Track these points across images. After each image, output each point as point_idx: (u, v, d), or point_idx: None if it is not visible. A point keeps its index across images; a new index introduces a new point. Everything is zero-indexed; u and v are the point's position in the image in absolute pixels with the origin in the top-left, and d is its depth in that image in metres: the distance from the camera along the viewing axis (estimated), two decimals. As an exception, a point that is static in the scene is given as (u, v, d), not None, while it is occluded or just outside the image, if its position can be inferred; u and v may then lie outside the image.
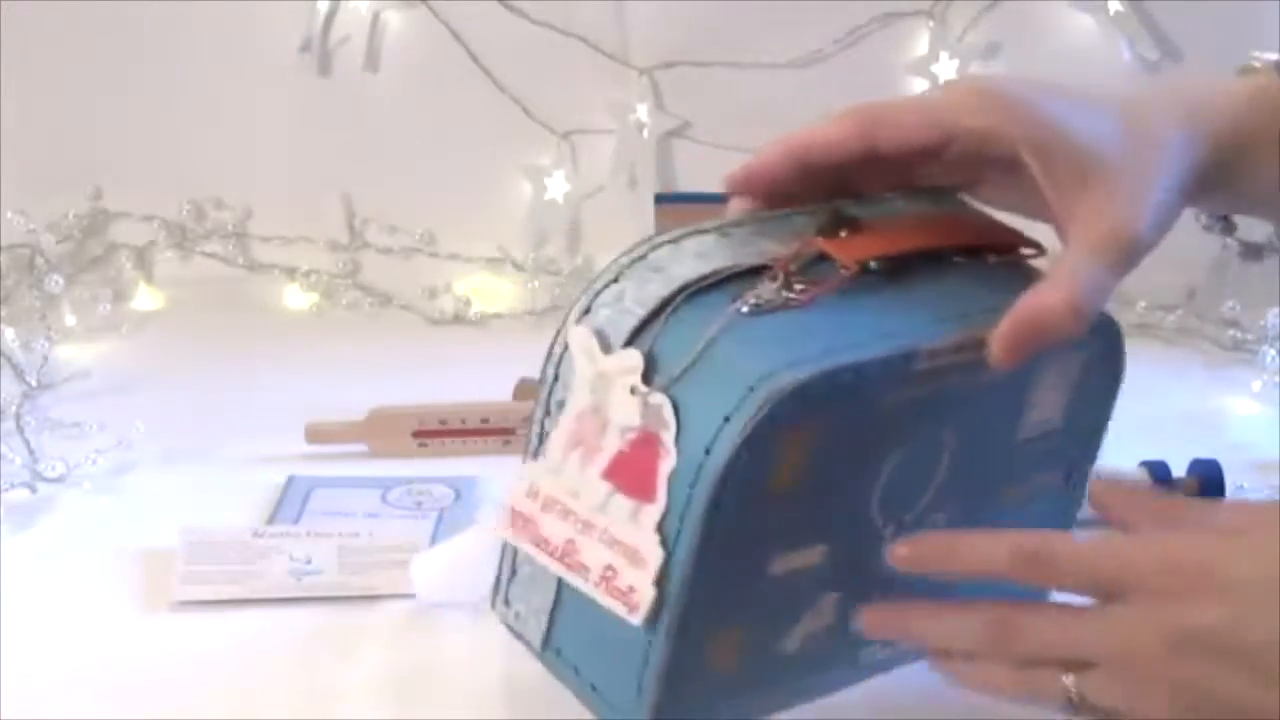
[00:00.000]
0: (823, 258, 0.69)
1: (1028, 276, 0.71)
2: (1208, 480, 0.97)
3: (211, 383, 1.17)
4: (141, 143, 1.31)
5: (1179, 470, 0.97)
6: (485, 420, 1.04)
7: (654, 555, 0.66)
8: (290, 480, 1.02)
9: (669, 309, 0.68)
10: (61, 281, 1.25)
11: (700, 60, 1.27)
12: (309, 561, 0.90)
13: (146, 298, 1.32)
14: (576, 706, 0.70)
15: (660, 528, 0.66)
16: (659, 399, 0.67)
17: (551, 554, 0.70)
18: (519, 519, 0.71)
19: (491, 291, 1.31)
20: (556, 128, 1.29)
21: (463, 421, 1.05)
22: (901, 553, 0.68)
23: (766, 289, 0.68)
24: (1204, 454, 0.98)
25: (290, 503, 0.99)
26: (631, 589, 0.67)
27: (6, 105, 1.29)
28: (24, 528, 0.97)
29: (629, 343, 0.68)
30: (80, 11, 1.28)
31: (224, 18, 1.27)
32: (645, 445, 0.68)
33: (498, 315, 1.29)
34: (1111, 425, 0.89)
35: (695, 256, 0.70)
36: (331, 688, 0.79)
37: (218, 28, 1.28)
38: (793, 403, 0.64)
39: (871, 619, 0.69)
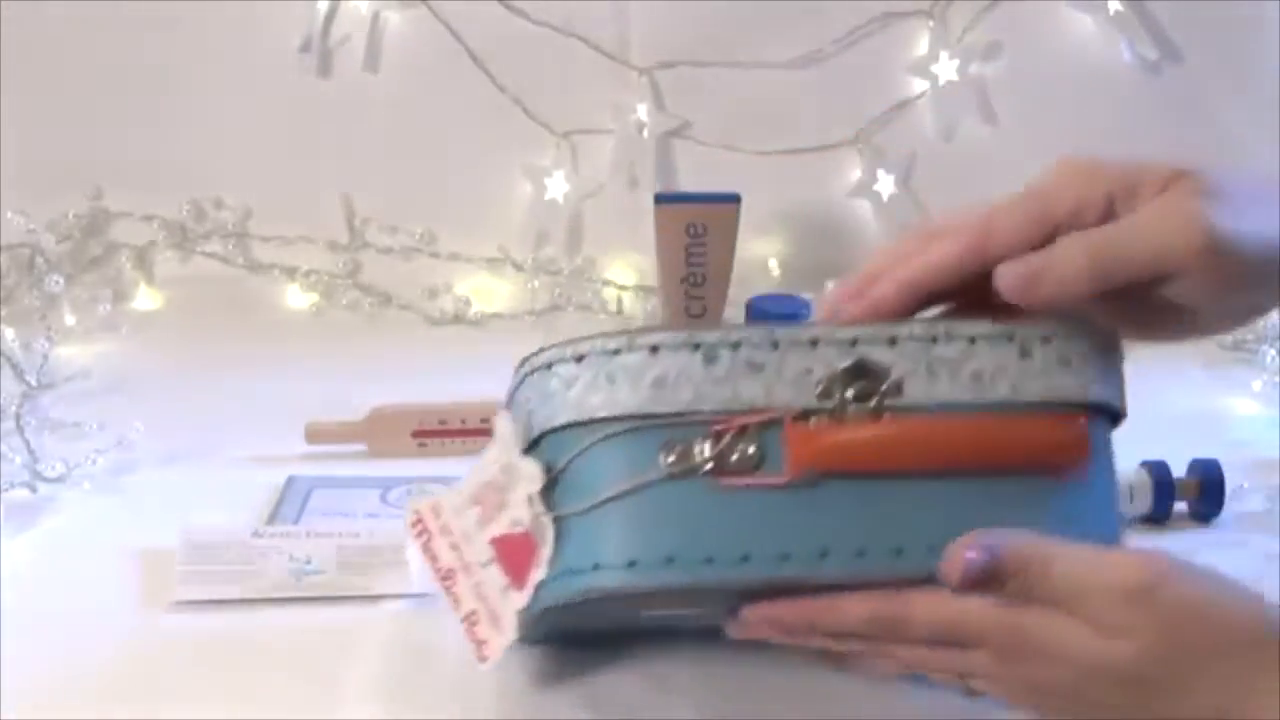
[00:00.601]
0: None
1: (1029, 505, 0.70)
2: (1208, 480, 0.97)
3: (211, 383, 1.17)
4: (141, 143, 1.31)
5: (1179, 470, 0.97)
6: (485, 420, 1.04)
7: (510, 630, 0.70)
8: (290, 480, 1.02)
9: (602, 436, 0.69)
10: (61, 281, 1.25)
11: (700, 60, 1.27)
12: (309, 561, 0.90)
13: (146, 298, 1.32)
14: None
15: (520, 615, 0.70)
16: (547, 520, 0.70)
17: (436, 571, 0.74)
18: (420, 525, 0.76)
19: (491, 291, 1.31)
20: (556, 128, 1.29)
21: (462, 421, 1.05)
22: (751, 619, 0.70)
23: (699, 451, 0.69)
24: (1204, 454, 0.98)
25: (290, 503, 0.99)
26: (486, 643, 0.71)
27: (6, 105, 1.29)
28: (24, 528, 0.97)
29: (550, 432, 0.71)
30: (80, 11, 1.28)
31: (224, 18, 1.27)
32: (527, 544, 0.71)
33: (498, 315, 1.29)
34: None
35: (654, 385, 0.69)
36: (331, 688, 0.79)
37: (218, 28, 1.28)
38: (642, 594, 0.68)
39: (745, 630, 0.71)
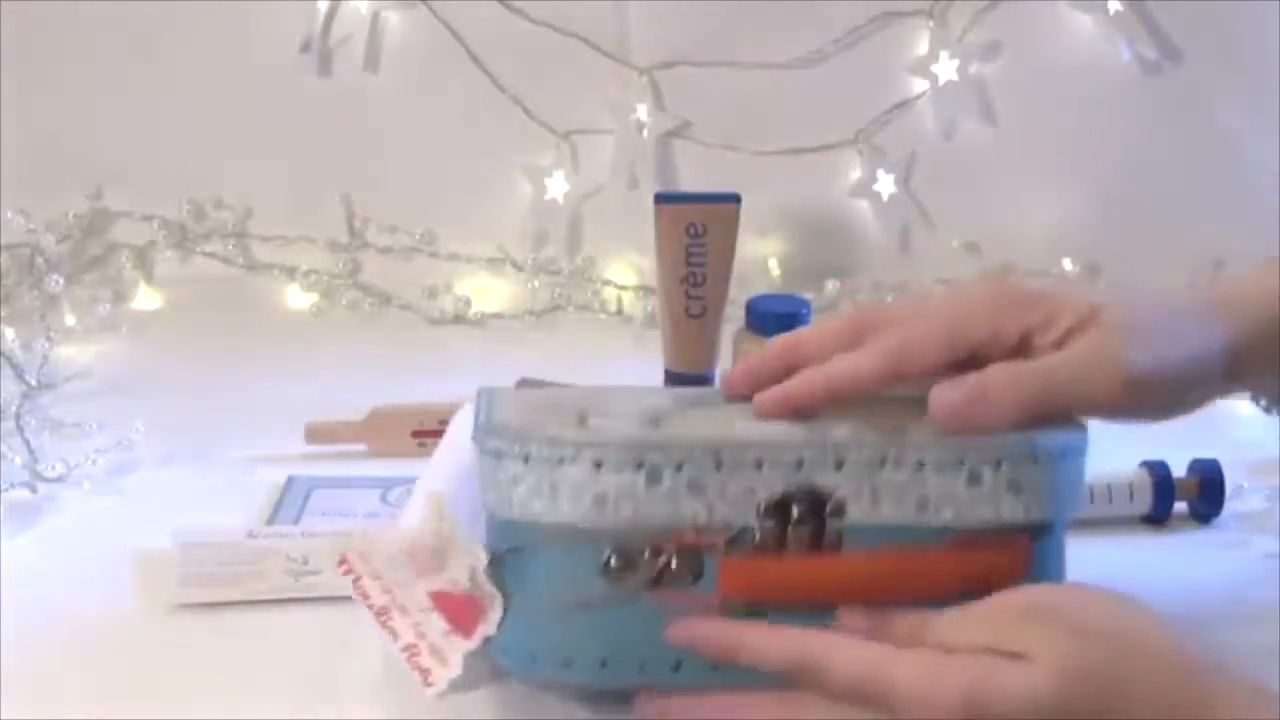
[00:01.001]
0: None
1: None
2: (1208, 480, 0.97)
3: (211, 383, 1.17)
4: (141, 143, 1.31)
5: (1179, 470, 0.97)
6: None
7: (456, 667, 0.71)
8: (290, 480, 1.02)
9: (544, 538, 0.70)
10: (61, 281, 1.25)
11: (700, 60, 1.27)
12: (306, 562, 0.90)
13: (146, 298, 1.32)
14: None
15: (467, 658, 0.71)
16: (494, 592, 0.72)
17: (369, 606, 0.75)
18: (348, 567, 0.77)
19: (491, 291, 1.31)
20: (556, 128, 1.29)
21: (462, 421, 1.05)
22: (678, 636, 0.70)
23: (639, 564, 0.70)
24: (1204, 454, 0.98)
25: (290, 503, 0.99)
26: (430, 671, 0.72)
27: (6, 105, 1.29)
28: (24, 528, 0.97)
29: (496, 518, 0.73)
30: (80, 11, 1.28)
31: (224, 18, 1.27)
32: (471, 604, 0.72)
33: (498, 315, 1.29)
34: (1112, 425, 0.88)
35: (596, 502, 0.69)
36: (331, 688, 0.79)
37: (218, 28, 1.28)
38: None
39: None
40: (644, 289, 1.28)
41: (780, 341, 0.77)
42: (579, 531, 0.69)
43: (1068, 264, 1.27)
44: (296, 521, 0.97)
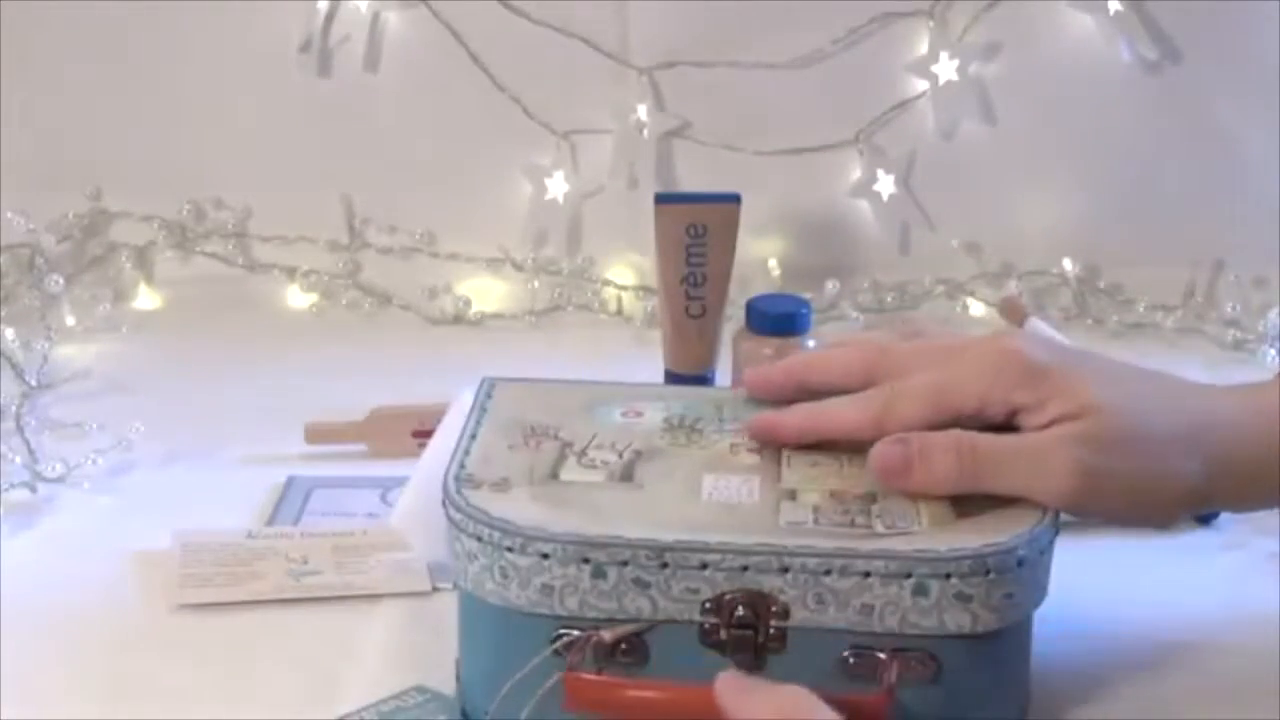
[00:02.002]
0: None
1: None
2: (1208, 480, 0.97)
3: (211, 383, 1.17)
4: (141, 143, 1.31)
5: (1179, 470, 0.97)
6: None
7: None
8: (290, 480, 1.02)
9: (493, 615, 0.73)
10: (61, 281, 1.25)
11: (700, 60, 1.27)
12: (305, 562, 0.90)
13: (146, 298, 1.32)
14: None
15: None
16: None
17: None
18: None
19: (491, 291, 1.31)
20: (556, 128, 1.29)
21: (462, 422, 1.05)
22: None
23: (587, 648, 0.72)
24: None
25: (290, 503, 0.99)
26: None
27: (6, 105, 1.29)
28: (24, 528, 0.97)
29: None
30: (80, 11, 1.27)
31: (224, 18, 1.27)
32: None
33: (498, 315, 1.29)
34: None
35: (542, 590, 0.71)
36: (331, 688, 0.79)
37: (218, 28, 1.28)
38: None
39: None
40: (644, 289, 1.28)
41: (794, 362, 0.82)
42: (526, 615, 0.72)
43: (1068, 264, 1.27)
44: (296, 521, 0.97)
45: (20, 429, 1.06)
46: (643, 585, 0.71)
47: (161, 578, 0.89)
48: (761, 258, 1.28)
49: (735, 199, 1.07)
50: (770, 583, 0.70)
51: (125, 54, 1.29)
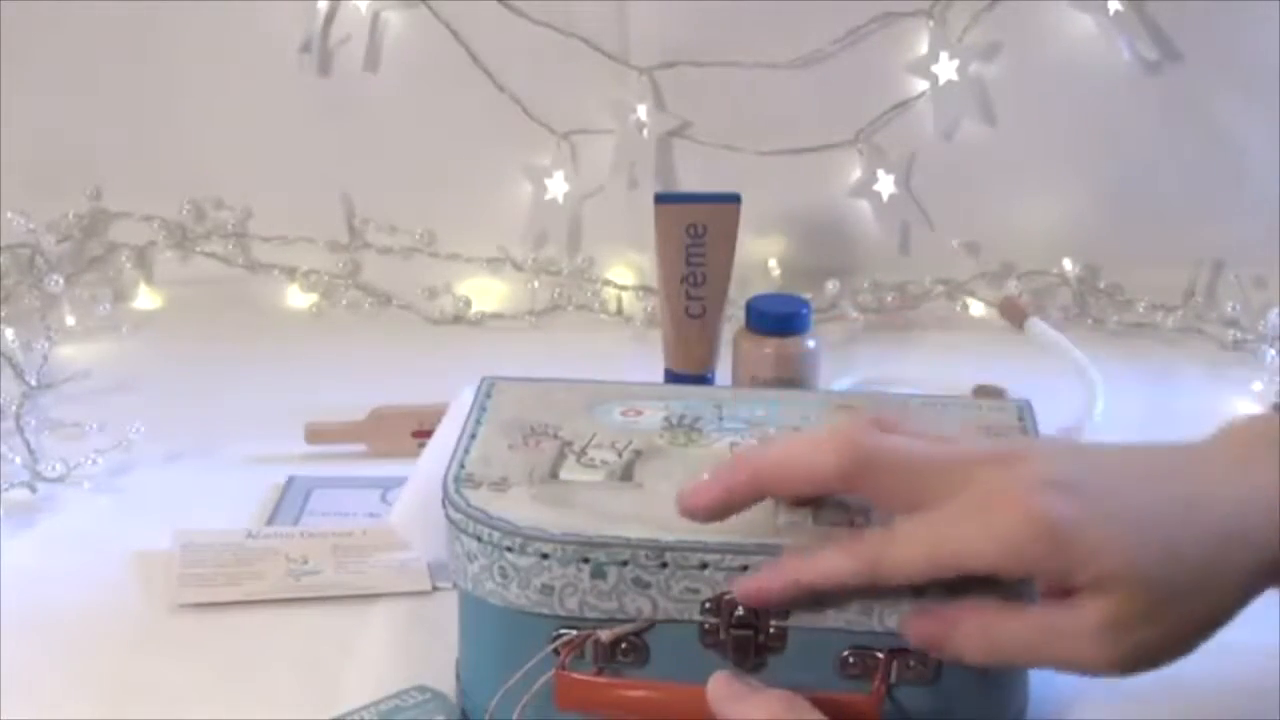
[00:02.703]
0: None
1: None
2: (1208, 480, 0.97)
3: (211, 383, 1.17)
4: (141, 143, 1.31)
5: (1179, 470, 0.97)
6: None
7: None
8: (290, 480, 1.02)
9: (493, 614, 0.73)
10: (61, 281, 1.25)
11: (700, 60, 1.27)
12: (305, 562, 0.90)
13: (146, 298, 1.32)
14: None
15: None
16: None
17: None
18: None
19: (491, 291, 1.31)
20: (556, 128, 1.29)
21: (462, 422, 1.05)
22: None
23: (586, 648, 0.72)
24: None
25: (290, 503, 0.99)
26: None
27: (6, 105, 1.29)
28: (24, 528, 0.97)
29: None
30: (80, 11, 1.27)
31: (224, 18, 1.27)
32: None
33: (498, 315, 1.29)
34: (1112, 425, 0.89)
35: (542, 590, 0.71)
36: (331, 687, 0.79)
37: (218, 28, 1.28)
38: None
39: None
40: (644, 289, 1.28)
41: (752, 465, 0.71)
42: (526, 614, 0.72)
43: (1068, 264, 1.27)
44: (296, 521, 0.97)
45: (20, 429, 1.06)
46: (642, 585, 0.71)
47: (161, 578, 0.89)
48: (761, 258, 1.28)
49: (735, 199, 1.07)
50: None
51: (126, 54, 1.29)
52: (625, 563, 0.71)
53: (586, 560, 0.71)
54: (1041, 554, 0.65)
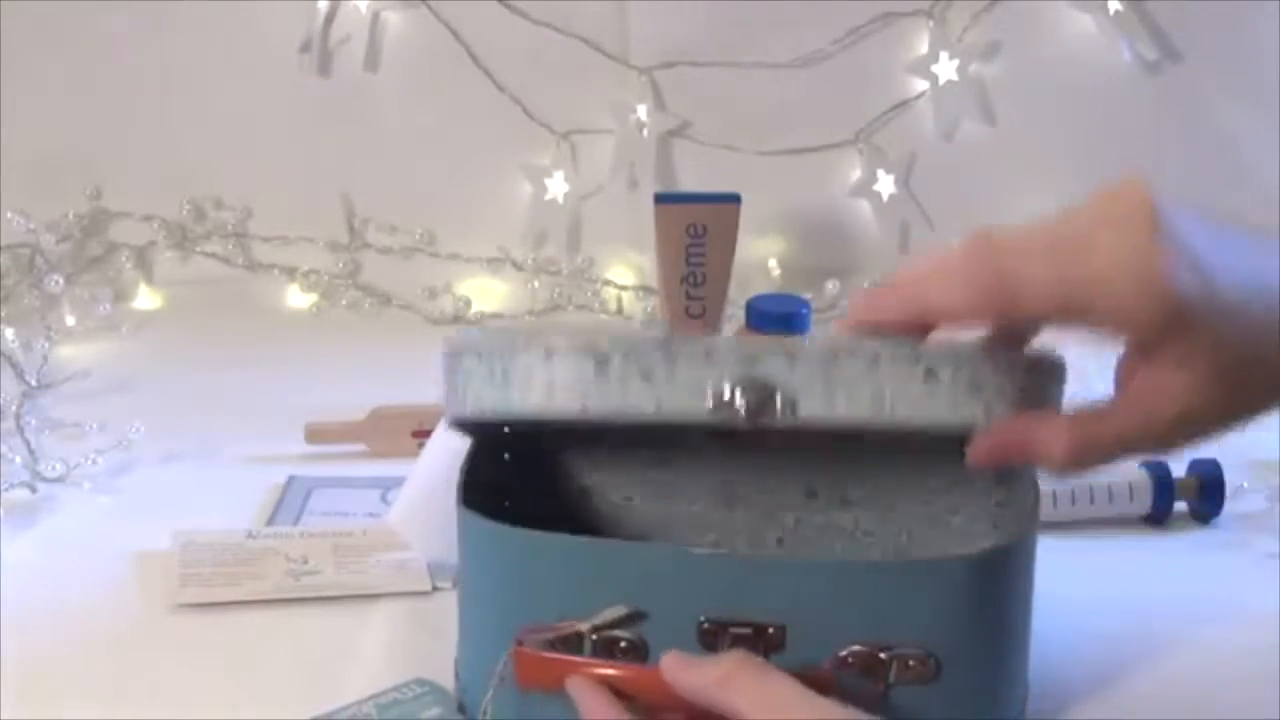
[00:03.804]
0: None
1: None
2: (1208, 480, 0.97)
3: (211, 383, 1.17)
4: (141, 143, 1.31)
5: (1179, 470, 0.97)
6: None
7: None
8: (290, 480, 1.02)
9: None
10: (61, 281, 1.25)
11: (700, 60, 1.27)
12: (305, 562, 0.90)
13: (146, 298, 1.32)
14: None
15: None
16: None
17: None
18: None
19: (491, 291, 1.31)
20: (556, 128, 1.29)
21: (462, 422, 1.05)
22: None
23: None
24: (1204, 454, 0.98)
25: (290, 503, 0.99)
26: None
27: (6, 105, 1.29)
28: (24, 528, 0.97)
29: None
30: (80, 12, 1.28)
31: (224, 18, 1.27)
32: None
33: (498, 315, 1.29)
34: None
35: (545, 391, 0.69)
36: (331, 687, 0.79)
37: (218, 28, 1.28)
38: None
39: None
40: (644, 289, 1.28)
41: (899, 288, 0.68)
42: (529, 422, 0.70)
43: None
44: (296, 521, 0.97)
45: (20, 429, 1.06)
46: (648, 377, 0.67)
47: (161, 578, 0.89)
48: (761, 258, 1.28)
49: (735, 199, 1.07)
50: (778, 372, 0.67)
51: (125, 54, 1.29)
52: (629, 355, 0.68)
53: (590, 352, 0.68)
54: (1160, 314, 0.62)
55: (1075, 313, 0.64)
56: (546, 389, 0.68)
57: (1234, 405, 0.65)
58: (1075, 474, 0.67)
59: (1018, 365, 0.67)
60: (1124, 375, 0.66)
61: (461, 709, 0.76)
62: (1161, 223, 0.64)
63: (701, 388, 0.67)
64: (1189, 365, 0.63)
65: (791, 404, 0.67)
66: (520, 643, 0.71)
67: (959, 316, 0.66)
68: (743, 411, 0.67)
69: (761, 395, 0.67)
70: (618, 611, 0.71)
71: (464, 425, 0.75)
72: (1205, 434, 0.66)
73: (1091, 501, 0.96)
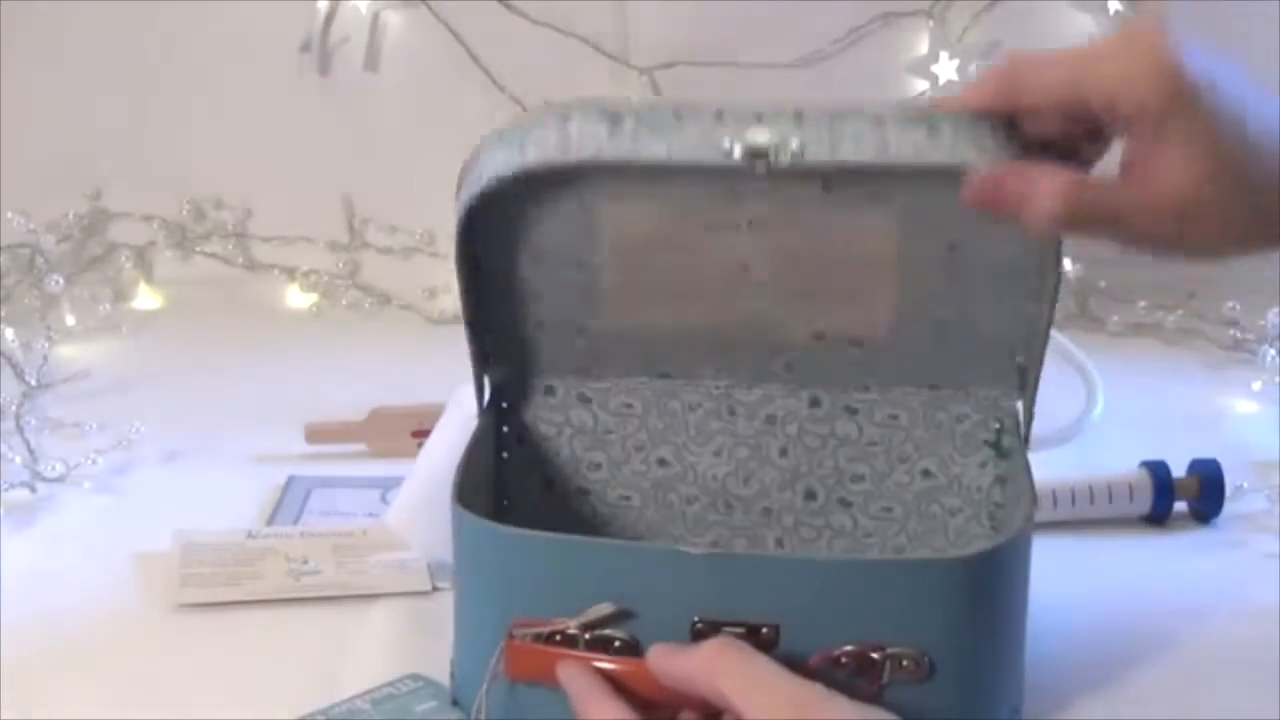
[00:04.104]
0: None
1: None
2: (1208, 480, 0.97)
3: (211, 383, 1.17)
4: (141, 143, 1.31)
5: (1179, 470, 0.97)
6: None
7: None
8: (290, 480, 1.02)
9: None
10: (61, 281, 1.25)
11: (700, 60, 1.27)
12: (305, 562, 0.90)
13: (146, 298, 1.32)
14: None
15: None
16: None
17: None
18: None
19: (491, 291, 1.31)
20: (556, 128, 1.29)
21: (462, 421, 1.05)
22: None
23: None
24: (1204, 454, 0.98)
25: (290, 503, 0.99)
26: None
27: (6, 105, 1.29)
28: (24, 528, 0.97)
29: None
30: (80, 12, 1.28)
31: (224, 18, 1.27)
32: None
33: (498, 315, 1.29)
34: (1112, 425, 0.88)
35: (559, 144, 0.72)
36: (331, 687, 0.79)
37: (217, 28, 1.28)
38: None
39: None
40: (644, 289, 1.28)
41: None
42: (537, 178, 0.72)
43: (1068, 264, 1.27)
44: (296, 521, 0.97)
45: (20, 429, 1.06)
46: (659, 131, 0.71)
47: (161, 578, 0.89)
48: (761, 258, 1.28)
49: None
50: (786, 126, 0.70)
51: (125, 54, 1.29)
52: (641, 115, 0.71)
53: (604, 113, 0.72)
54: (1165, 93, 0.66)
55: (1082, 90, 0.67)
56: (561, 143, 0.72)
57: (1232, 208, 0.67)
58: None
59: (1020, 139, 0.69)
60: (1127, 158, 0.68)
61: (455, 705, 0.76)
62: (1168, 26, 0.69)
63: (712, 138, 0.70)
64: (1190, 144, 0.65)
65: (799, 149, 0.70)
66: (511, 635, 0.71)
67: (969, 104, 0.69)
68: (753, 154, 0.70)
69: (770, 139, 0.70)
70: (604, 610, 0.71)
71: (478, 205, 0.76)
72: (1201, 237, 0.68)
73: (1091, 501, 0.95)
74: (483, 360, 0.83)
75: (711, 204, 0.76)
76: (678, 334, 0.83)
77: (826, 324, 0.81)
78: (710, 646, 0.68)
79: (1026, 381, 0.80)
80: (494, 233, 0.79)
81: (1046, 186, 0.67)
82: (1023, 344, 0.79)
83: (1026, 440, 0.80)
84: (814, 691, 0.65)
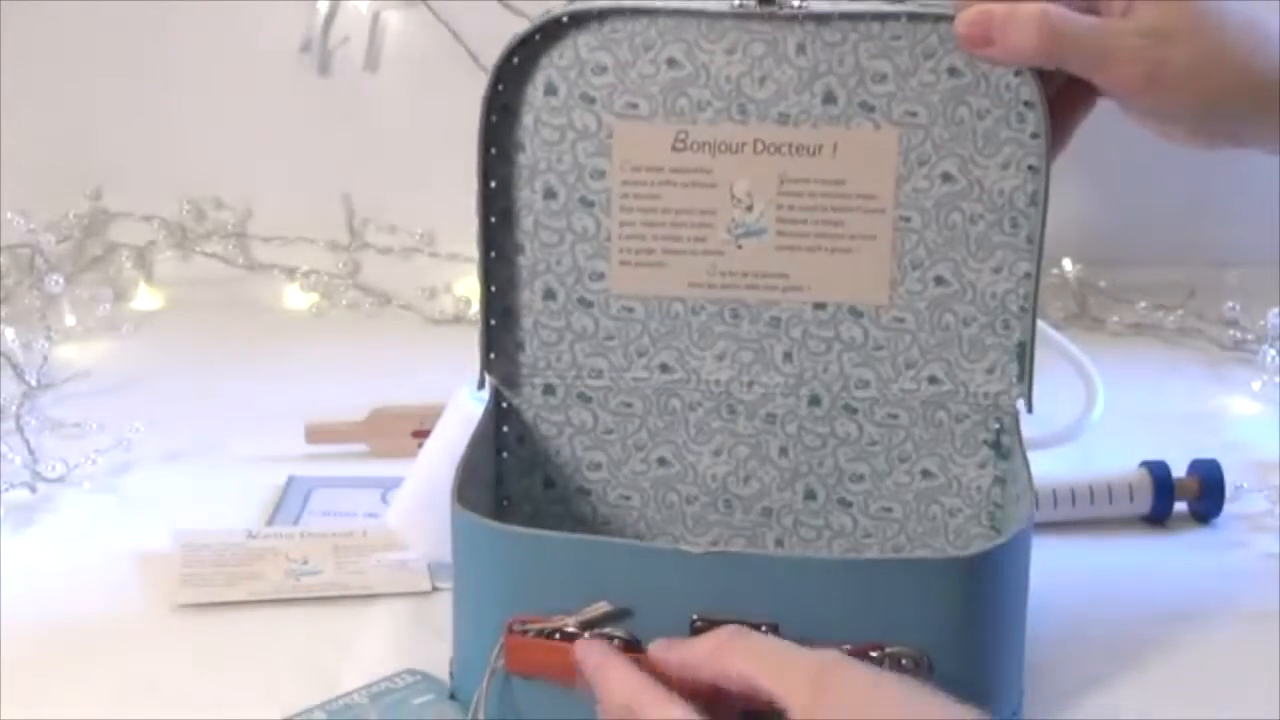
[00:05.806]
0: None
1: None
2: (1208, 480, 0.97)
3: (211, 383, 1.17)
4: (141, 143, 1.31)
5: (1179, 470, 0.97)
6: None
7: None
8: (290, 480, 1.02)
9: None
10: (61, 281, 1.25)
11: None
12: (305, 562, 0.90)
13: (146, 298, 1.32)
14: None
15: None
16: None
17: None
18: None
19: (491, 291, 1.31)
20: (556, 128, 1.29)
21: (462, 421, 1.05)
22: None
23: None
24: (1204, 454, 0.98)
25: (290, 503, 0.99)
26: None
27: (6, 105, 1.29)
28: (24, 528, 0.97)
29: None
30: (80, 12, 1.28)
31: (224, 18, 1.27)
32: None
33: (498, 315, 1.29)
34: (1112, 425, 0.88)
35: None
36: (331, 687, 0.79)
37: (218, 28, 1.28)
38: None
39: None
40: (644, 289, 1.28)
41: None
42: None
43: (1068, 264, 1.27)
44: (296, 521, 0.97)
45: (20, 429, 1.06)
46: None
47: (161, 578, 0.89)
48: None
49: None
50: None
51: (125, 55, 1.29)
52: None
53: None
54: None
55: None
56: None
57: (1204, 63, 0.76)
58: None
59: None
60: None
61: (453, 699, 0.76)
62: None
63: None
64: None
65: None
66: (510, 628, 0.71)
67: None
68: None
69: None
70: (600, 608, 0.71)
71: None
72: (1170, 90, 0.76)
73: (1091, 501, 0.95)
74: (488, 345, 0.84)
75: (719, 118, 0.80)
76: (678, 307, 0.83)
77: (825, 291, 0.82)
78: (720, 633, 0.67)
79: (1024, 354, 0.80)
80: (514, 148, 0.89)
81: (1024, 14, 0.74)
82: (1017, 305, 0.81)
83: (1029, 406, 0.82)
84: (833, 656, 0.65)
